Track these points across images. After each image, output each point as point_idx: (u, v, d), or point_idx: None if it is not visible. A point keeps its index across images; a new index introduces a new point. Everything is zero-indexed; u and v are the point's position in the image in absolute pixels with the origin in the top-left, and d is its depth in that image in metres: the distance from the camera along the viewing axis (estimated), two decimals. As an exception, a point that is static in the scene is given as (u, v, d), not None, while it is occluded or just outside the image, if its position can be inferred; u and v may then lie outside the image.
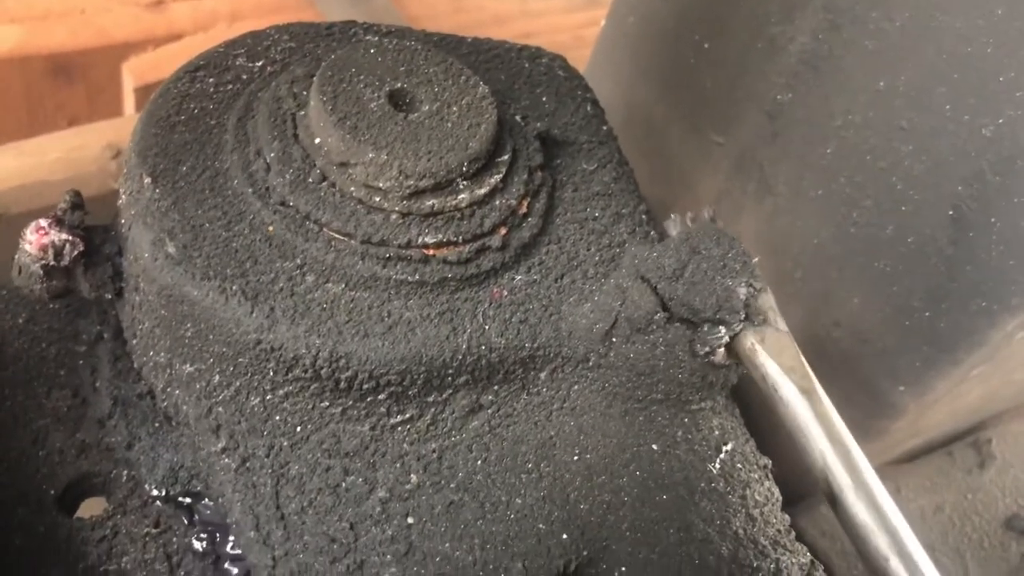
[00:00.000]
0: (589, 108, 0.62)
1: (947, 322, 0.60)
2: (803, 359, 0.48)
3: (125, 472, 0.54)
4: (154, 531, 0.53)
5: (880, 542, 0.43)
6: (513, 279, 0.52)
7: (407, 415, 0.49)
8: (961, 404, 0.72)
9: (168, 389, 0.51)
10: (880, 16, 0.58)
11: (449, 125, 0.51)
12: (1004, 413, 0.83)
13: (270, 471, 0.47)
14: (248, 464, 0.47)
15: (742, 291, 0.47)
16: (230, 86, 0.55)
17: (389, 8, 0.96)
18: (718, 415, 0.53)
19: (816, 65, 0.63)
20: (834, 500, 0.44)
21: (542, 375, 0.52)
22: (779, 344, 0.48)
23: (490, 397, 0.51)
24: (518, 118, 0.57)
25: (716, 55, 0.71)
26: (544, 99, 0.61)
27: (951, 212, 0.57)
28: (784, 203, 0.68)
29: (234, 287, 0.47)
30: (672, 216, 0.52)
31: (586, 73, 0.85)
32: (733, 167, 0.72)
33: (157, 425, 0.55)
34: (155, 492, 0.54)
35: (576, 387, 0.52)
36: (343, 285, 0.49)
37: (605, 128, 0.62)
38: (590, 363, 0.51)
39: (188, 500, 0.54)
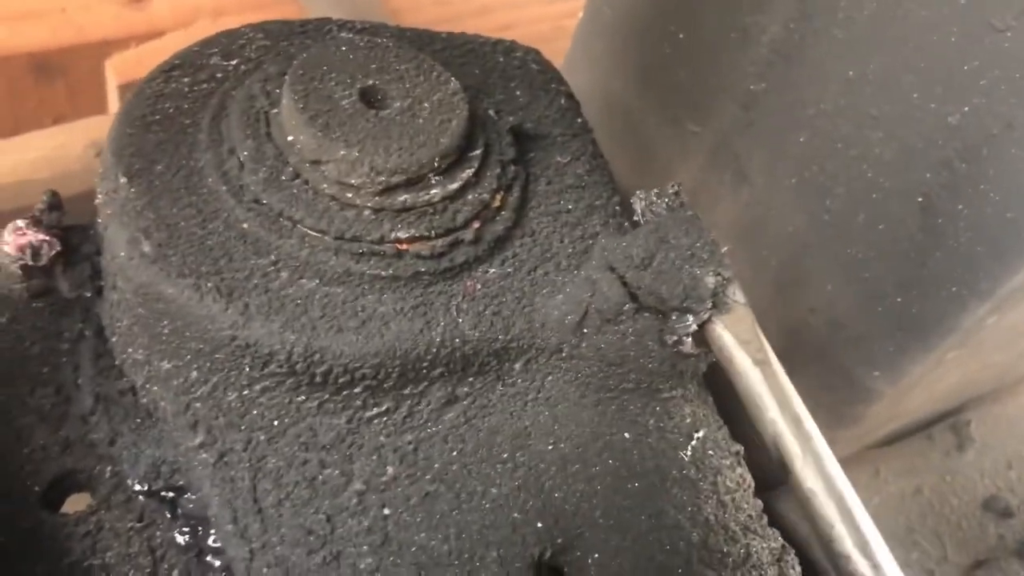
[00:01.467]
0: (563, 101, 0.63)
1: (919, 308, 0.60)
2: (759, 331, 0.49)
3: (108, 468, 0.55)
4: (138, 525, 0.54)
5: (828, 509, 0.44)
6: (487, 272, 0.52)
7: (383, 408, 0.50)
8: (939, 388, 0.73)
9: (147, 386, 0.52)
10: (849, 5, 0.59)
11: (420, 121, 0.51)
12: (984, 395, 0.84)
13: (247, 465, 0.48)
14: (226, 459, 0.48)
15: (710, 280, 0.48)
16: (204, 85, 0.56)
17: (374, 5, 0.96)
18: (690, 403, 0.54)
19: (788, 55, 0.64)
20: (784, 468, 0.45)
21: (517, 366, 0.53)
22: (735, 317, 0.49)
23: (465, 389, 0.52)
24: (491, 112, 0.58)
25: (690, 46, 0.71)
26: (518, 93, 0.62)
27: (920, 199, 0.58)
28: (759, 192, 0.69)
29: (209, 284, 0.48)
30: (637, 193, 0.53)
31: (564, 64, 0.86)
32: (709, 156, 0.73)
33: (139, 421, 0.55)
34: (138, 487, 0.54)
35: (550, 377, 0.53)
36: (317, 281, 0.49)
37: (579, 121, 0.63)
38: (563, 354, 0.52)
39: (171, 494, 0.55)
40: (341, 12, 0.97)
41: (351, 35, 0.58)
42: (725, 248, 0.50)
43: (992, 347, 0.70)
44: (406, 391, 0.50)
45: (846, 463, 0.79)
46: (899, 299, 0.61)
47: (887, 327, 0.63)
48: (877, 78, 0.59)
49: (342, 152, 0.49)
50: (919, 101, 0.56)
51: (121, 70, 0.95)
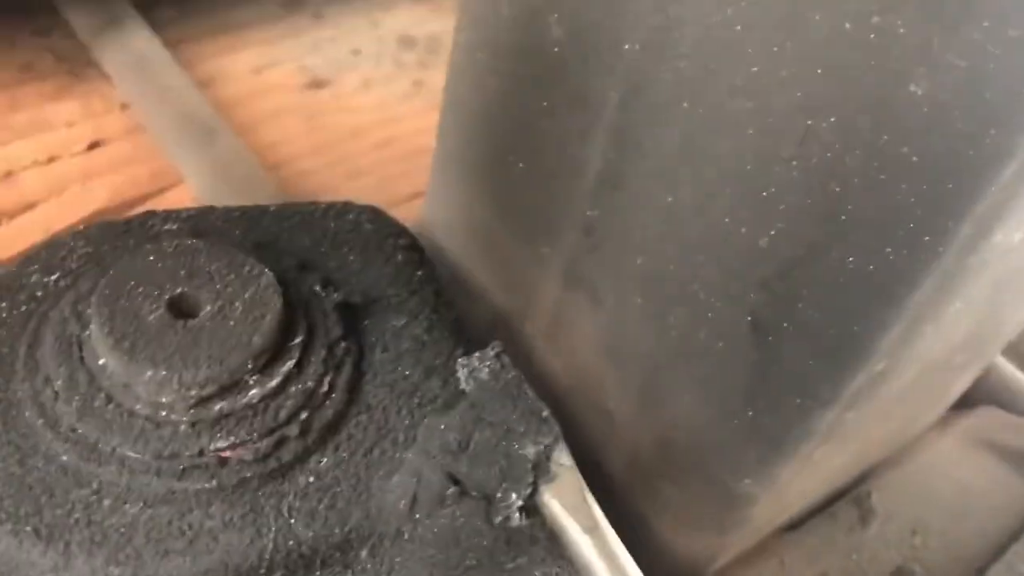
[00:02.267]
0: (400, 257, 0.63)
1: (768, 420, 0.61)
2: (588, 495, 0.50)
3: None
4: None
5: None
6: (319, 463, 0.52)
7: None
8: (824, 473, 0.74)
9: (-14, 632, 0.51)
10: (656, 136, 0.60)
11: (231, 324, 0.52)
12: (883, 462, 0.84)
13: None
14: None
15: (529, 452, 0.48)
16: (24, 307, 0.56)
17: (237, 147, 0.97)
18: (539, 564, 0.53)
19: (613, 183, 0.65)
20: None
21: (363, 553, 0.52)
22: (562, 483, 0.49)
23: None
24: (317, 288, 0.58)
25: (531, 175, 0.72)
26: (351, 258, 0.62)
27: (749, 318, 0.58)
28: (611, 312, 0.69)
29: (28, 528, 0.47)
30: (459, 360, 0.53)
31: (429, 190, 0.87)
32: (565, 278, 0.73)
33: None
34: None
35: (398, 559, 0.53)
36: (140, 504, 0.49)
37: (420, 274, 0.63)
38: (405, 537, 0.52)
39: None
40: (207, 159, 0.97)
41: (163, 243, 0.59)
42: (546, 412, 0.50)
43: (868, 429, 0.70)
44: None
45: (748, 556, 0.79)
46: (749, 412, 0.61)
47: (744, 438, 0.63)
48: (692, 204, 0.60)
49: (149, 373, 0.49)
50: (731, 226, 0.57)
51: (-4, 248, 0.95)
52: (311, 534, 0.50)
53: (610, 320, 0.70)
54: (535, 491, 0.48)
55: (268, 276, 0.54)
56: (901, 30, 0.45)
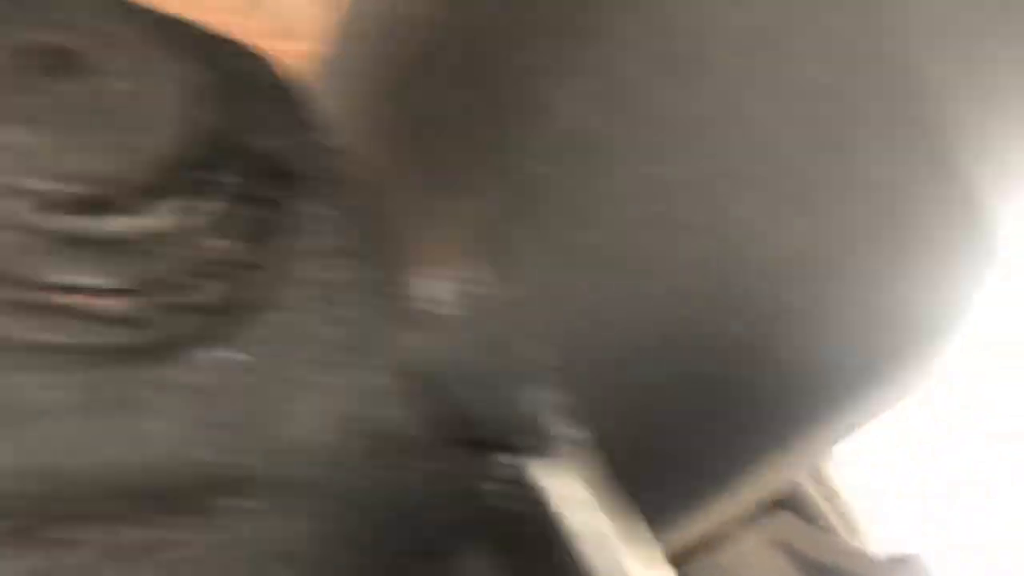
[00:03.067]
0: (319, 134, 0.47)
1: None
2: (594, 488, 0.37)
3: None
4: None
5: None
6: (211, 356, 0.35)
7: (24, 564, 0.29)
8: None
9: None
10: (678, 99, 0.51)
11: (132, 111, 0.33)
12: (696, 548, 0.79)
13: None
14: None
15: (546, 403, 0.35)
16: None
17: None
18: (479, 558, 0.39)
19: (585, 140, 0.54)
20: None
21: (241, 503, 0.35)
22: (568, 470, 0.36)
23: (160, 534, 0.33)
24: (237, 130, 0.41)
25: (466, 106, 0.59)
26: (263, 113, 0.45)
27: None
28: (529, 288, 0.58)
29: None
30: (442, 273, 0.39)
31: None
32: (473, 240, 0.60)
33: None
34: None
35: (290, 524, 0.36)
36: None
37: (342, 164, 0.48)
38: (311, 490, 0.35)
39: None
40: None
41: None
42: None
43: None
44: (63, 535, 0.30)
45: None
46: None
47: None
48: (691, 182, 0.51)
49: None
50: (741, 211, 0.49)
51: None
52: (186, 454, 0.32)
53: (523, 299, 0.58)
54: (545, 459, 0.34)
55: (196, 66, 0.36)
56: None
